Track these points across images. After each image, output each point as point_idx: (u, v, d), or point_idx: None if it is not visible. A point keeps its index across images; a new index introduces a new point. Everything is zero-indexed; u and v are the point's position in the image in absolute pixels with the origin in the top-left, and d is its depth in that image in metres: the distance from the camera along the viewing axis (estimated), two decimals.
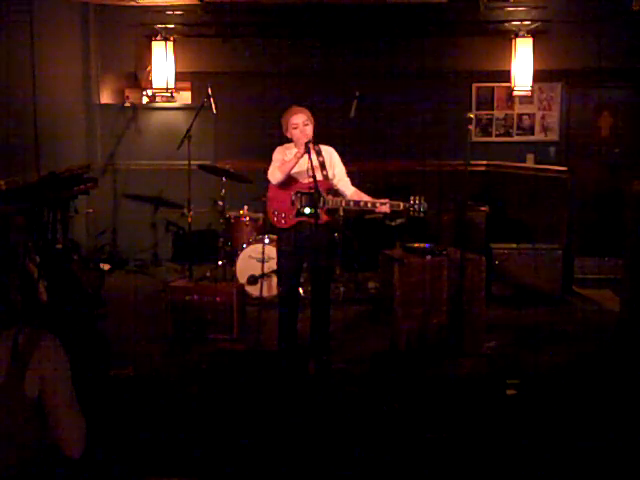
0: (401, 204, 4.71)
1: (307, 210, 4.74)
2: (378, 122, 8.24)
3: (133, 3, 7.93)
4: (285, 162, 4.77)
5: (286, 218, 4.84)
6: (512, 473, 3.60)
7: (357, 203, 4.79)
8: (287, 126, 4.80)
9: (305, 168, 4.65)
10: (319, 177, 4.61)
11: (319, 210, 4.64)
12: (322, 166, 4.79)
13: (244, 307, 5.87)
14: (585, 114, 8.55)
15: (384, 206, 4.72)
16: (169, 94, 8.20)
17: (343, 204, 4.79)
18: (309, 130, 4.75)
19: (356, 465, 3.64)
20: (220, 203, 6.80)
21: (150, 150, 8.41)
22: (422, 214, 4.72)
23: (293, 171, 4.81)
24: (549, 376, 4.88)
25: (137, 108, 8.47)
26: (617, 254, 6.17)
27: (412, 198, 4.72)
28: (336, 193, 4.90)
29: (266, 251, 6.10)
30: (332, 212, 4.85)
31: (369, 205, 4.77)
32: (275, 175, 4.79)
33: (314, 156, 4.70)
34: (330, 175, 4.84)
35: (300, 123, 4.73)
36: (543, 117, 8.52)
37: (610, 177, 8.39)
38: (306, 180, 4.74)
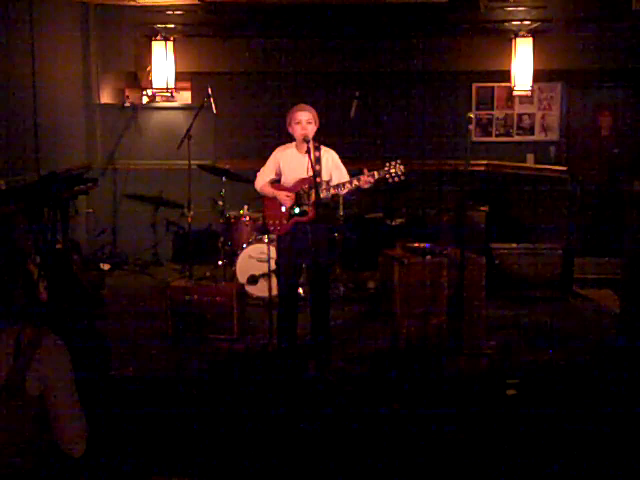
0: (375, 173, 4.68)
1: (296, 210, 4.80)
2: (378, 122, 8.24)
3: (133, 3, 7.93)
4: (270, 190, 4.92)
5: (280, 224, 4.90)
6: (512, 473, 3.61)
7: (336, 187, 4.79)
8: (290, 120, 4.83)
9: (304, 167, 4.72)
10: (310, 172, 4.68)
11: (307, 208, 4.77)
12: (317, 161, 4.80)
13: (244, 307, 5.88)
14: (585, 114, 8.55)
15: (360, 180, 4.69)
16: (169, 94, 8.20)
17: (324, 194, 4.76)
18: (311, 129, 4.78)
19: (356, 465, 3.64)
20: (220, 203, 6.80)
21: (150, 150, 8.40)
22: (401, 178, 4.67)
23: (291, 170, 4.88)
24: (549, 376, 4.88)
25: (137, 108, 8.46)
26: (617, 254, 6.16)
27: (387, 164, 4.69)
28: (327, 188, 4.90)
29: (266, 251, 6.09)
30: (321, 206, 4.79)
31: (347, 186, 4.76)
32: (258, 183, 5.00)
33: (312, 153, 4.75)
34: (325, 173, 4.85)
35: (303, 120, 4.76)
36: (543, 117, 8.52)
37: (610, 177, 8.39)
38: (300, 178, 4.79)
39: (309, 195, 4.76)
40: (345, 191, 4.80)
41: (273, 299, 5.57)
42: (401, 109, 8.37)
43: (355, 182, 4.73)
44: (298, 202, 4.84)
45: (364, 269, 7.27)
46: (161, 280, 7.28)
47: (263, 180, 4.98)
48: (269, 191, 4.94)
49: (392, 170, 4.67)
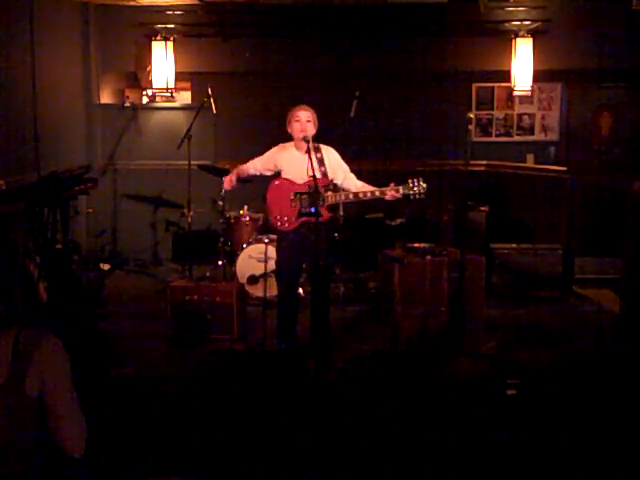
0: (400, 188, 4.71)
1: (309, 210, 4.76)
2: (378, 122, 8.23)
3: (133, 3, 7.93)
4: (236, 170, 5.14)
5: (289, 221, 4.86)
6: (512, 473, 3.61)
7: (356, 195, 4.81)
8: (290, 118, 4.83)
9: (305, 168, 4.69)
10: (317, 174, 4.63)
11: (321, 208, 4.69)
12: (320, 162, 4.80)
13: (244, 307, 5.88)
14: (585, 114, 8.55)
15: (385, 194, 4.73)
16: (169, 94, 8.20)
17: (343, 198, 4.79)
18: (310, 128, 4.78)
19: (356, 465, 3.64)
20: (220, 203, 6.79)
21: (150, 150, 8.40)
22: (422, 196, 4.71)
23: (292, 171, 4.86)
24: (549, 376, 4.88)
25: (137, 108, 8.46)
26: (617, 254, 6.16)
27: (410, 180, 4.72)
28: (335, 188, 4.91)
29: (266, 251, 6.10)
30: (333, 208, 4.85)
31: (368, 195, 4.79)
32: (243, 164, 5.18)
33: (312, 154, 4.73)
34: (330, 173, 4.85)
35: (303, 118, 4.77)
36: (543, 117, 8.52)
37: (610, 177, 8.38)
38: (303, 179, 4.77)
39: (324, 196, 4.73)
40: (365, 199, 4.85)
41: (272, 299, 5.57)
42: (401, 109, 8.37)
43: (378, 193, 4.76)
44: (310, 202, 4.77)
45: (364, 269, 7.27)
46: (161, 280, 7.28)
47: (250, 165, 5.11)
48: (239, 171, 5.13)
49: (415, 188, 4.69)
